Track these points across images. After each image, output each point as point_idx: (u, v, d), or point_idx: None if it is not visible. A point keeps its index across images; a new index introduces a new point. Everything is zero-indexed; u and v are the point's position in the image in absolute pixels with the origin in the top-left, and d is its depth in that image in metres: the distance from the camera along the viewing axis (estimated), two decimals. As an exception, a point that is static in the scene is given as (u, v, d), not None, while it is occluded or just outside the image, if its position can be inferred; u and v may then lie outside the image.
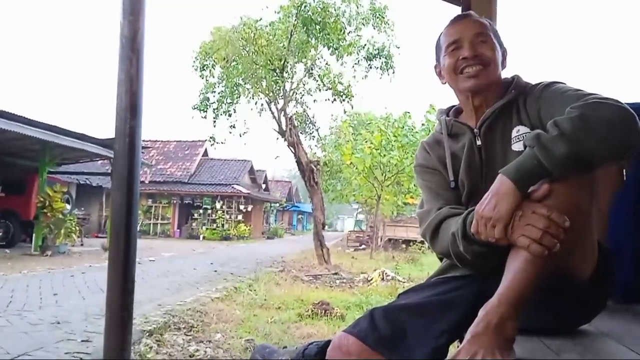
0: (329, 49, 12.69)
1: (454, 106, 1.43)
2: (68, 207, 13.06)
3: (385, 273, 9.16)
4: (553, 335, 1.21)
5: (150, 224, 23.90)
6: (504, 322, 0.99)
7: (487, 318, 1.00)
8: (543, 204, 0.99)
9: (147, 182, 22.55)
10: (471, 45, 1.27)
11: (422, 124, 16.67)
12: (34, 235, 11.88)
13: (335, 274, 9.77)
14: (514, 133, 1.23)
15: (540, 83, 1.25)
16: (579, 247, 1.08)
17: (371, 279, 8.82)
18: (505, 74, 1.35)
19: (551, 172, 1.00)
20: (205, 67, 13.36)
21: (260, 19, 12.79)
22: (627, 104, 1.03)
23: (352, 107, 14.08)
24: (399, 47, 13.09)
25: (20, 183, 12.58)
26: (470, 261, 1.16)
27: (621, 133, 1.00)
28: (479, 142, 1.28)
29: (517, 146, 1.21)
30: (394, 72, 13.13)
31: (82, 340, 3.97)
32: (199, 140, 26.72)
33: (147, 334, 4.19)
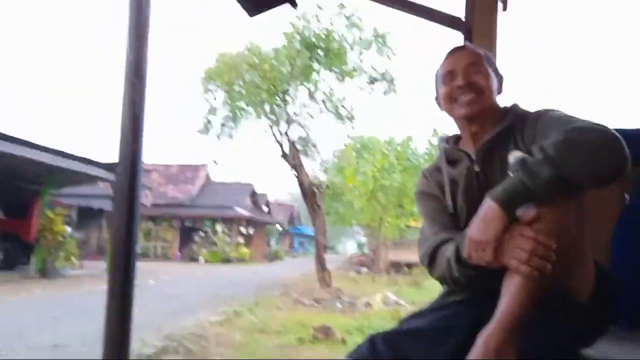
0: (331, 72, 12.85)
1: (455, 134, 1.45)
2: (69, 229, 13.02)
3: (388, 297, 9.06)
4: (555, 361, 1.18)
5: (150, 246, 23.79)
6: (503, 348, 0.98)
7: (485, 345, 0.99)
8: (530, 227, 1.00)
9: (148, 205, 22.54)
10: (465, 74, 1.31)
11: (426, 148, 16.73)
12: (33, 258, 11.82)
13: (337, 297, 9.65)
14: (511, 159, 1.24)
15: (537, 111, 1.27)
16: (571, 268, 1.08)
17: (373, 303, 8.73)
18: (505, 98, 1.38)
19: (536, 194, 1.01)
20: (208, 91, 13.51)
21: (264, 46, 13.00)
22: (617, 129, 1.04)
23: (354, 128, 14.18)
24: (400, 70, 13.26)
25: (22, 206, 12.55)
26: (466, 285, 1.16)
27: (606, 157, 1.01)
28: (477, 169, 1.29)
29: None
30: (396, 94, 13.26)
31: (80, 365, 3.92)
32: (201, 164, 26.91)
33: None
